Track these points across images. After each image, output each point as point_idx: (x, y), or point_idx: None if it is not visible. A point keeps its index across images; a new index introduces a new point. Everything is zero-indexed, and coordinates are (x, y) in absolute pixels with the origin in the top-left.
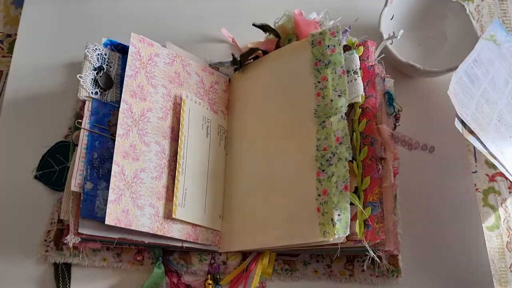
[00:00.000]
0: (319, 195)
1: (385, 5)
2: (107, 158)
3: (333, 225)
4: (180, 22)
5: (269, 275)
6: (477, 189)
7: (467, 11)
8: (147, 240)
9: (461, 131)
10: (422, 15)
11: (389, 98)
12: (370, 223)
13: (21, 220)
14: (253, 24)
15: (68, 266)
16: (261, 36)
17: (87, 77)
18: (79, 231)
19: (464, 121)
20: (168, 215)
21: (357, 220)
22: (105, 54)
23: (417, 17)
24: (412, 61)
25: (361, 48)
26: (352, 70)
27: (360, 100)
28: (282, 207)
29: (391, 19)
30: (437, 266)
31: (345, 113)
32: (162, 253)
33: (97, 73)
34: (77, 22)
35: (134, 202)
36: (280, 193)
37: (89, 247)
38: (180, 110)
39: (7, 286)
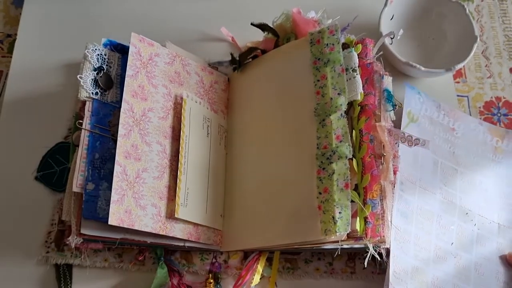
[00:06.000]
0: (320, 193)
1: (385, 5)
2: (108, 158)
3: (334, 222)
4: (180, 21)
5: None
6: None
7: (467, 11)
8: (149, 240)
9: None
10: (422, 15)
11: (387, 95)
12: (370, 220)
13: (22, 221)
14: (252, 24)
15: (69, 267)
16: (261, 35)
17: (87, 77)
18: (82, 231)
19: None
20: (171, 215)
21: (358, 218)
22: (105, 55)
23: (417, 17)
24: (412, 61)
25: (360, 46)
26: (351, 68)
27: (359, 97)
28: (282, 206)
29: (391, 19)
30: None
31: (345, 111)
32: (164, 253)
33: (97, 74)
34: (77, 22)
35: (136, 202)
36: (281, 192)
37: (90, 247)
38: (181, 110)
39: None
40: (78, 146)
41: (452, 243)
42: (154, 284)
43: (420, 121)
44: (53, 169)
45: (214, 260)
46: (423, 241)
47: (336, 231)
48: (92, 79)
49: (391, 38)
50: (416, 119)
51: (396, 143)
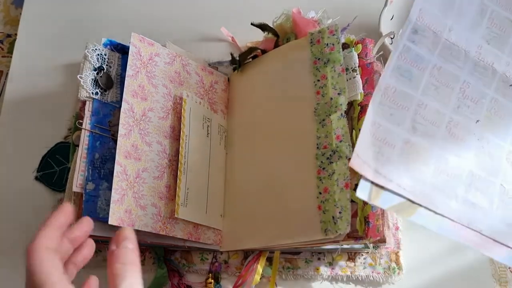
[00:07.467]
0: (320, 193)
1: (385, 5)
2: (108, 158)
3: (335, 222)
4: (180, 21)
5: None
6: None
7: None
8: (149, 240)
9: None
10: None
11: None
12: (370, 220)
13: (22, 221)
14: (252, 24)
15: None
16: (261, 35)
17: (87, 77)
18: None
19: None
20: (171, 215)
21: (358, 217)
22: (105, 54)
23: None
24: None
25: (360, 46)
26: (351, 68)
27: (359, 97)
28: (282, 206)
29: (391, 19)
30: (436, 264)
31: (345, 111)
32: (164, 253)
33: (97, 74)
34: (77, 22)
35: (136, 202)
36: (281, 192)
37: None
38: (181, 110)
39: None
40: (78, 146)
41: (477, 121)
42: (154, 284)
43: None
44: (53, 169)
45: (214, 260)
46: (431, 112)
47: (336, 231)
48: (92, 79)
49: (391, 38)
50: None
51: None
